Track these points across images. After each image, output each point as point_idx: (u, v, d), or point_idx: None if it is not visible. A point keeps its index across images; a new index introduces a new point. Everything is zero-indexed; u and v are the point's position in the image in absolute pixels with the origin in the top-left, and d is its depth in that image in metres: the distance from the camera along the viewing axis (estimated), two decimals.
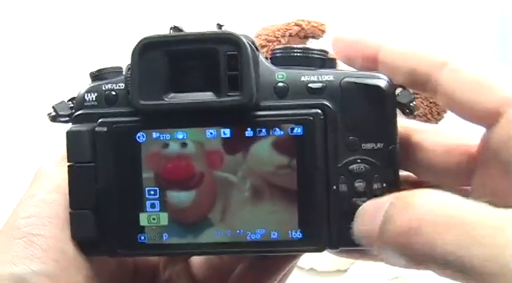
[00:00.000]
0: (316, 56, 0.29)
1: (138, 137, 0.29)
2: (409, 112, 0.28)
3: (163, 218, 0.29)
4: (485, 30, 0.90)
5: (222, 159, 0.28)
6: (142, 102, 0.28)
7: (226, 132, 0.28)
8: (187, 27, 0.29)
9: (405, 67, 0.27)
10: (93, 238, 0.29)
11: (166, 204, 0.29)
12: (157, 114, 0.29)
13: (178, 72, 0.28)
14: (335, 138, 0.28)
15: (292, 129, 0.28)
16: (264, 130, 0.28)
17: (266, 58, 0.29)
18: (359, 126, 0.28)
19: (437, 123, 0.73)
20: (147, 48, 0.28)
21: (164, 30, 0.29)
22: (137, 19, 0.88)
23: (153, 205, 0.29)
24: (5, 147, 0.86)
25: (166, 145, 0.29)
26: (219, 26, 0.29)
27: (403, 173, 0.30)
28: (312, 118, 0.28)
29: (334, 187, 0.28)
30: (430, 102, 0.72)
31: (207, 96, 0.28)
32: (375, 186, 0.28)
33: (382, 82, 0.28)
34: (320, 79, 0.28)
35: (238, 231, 0.28)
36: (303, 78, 0.28)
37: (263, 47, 0.68)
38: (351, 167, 0.28)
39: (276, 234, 0.28)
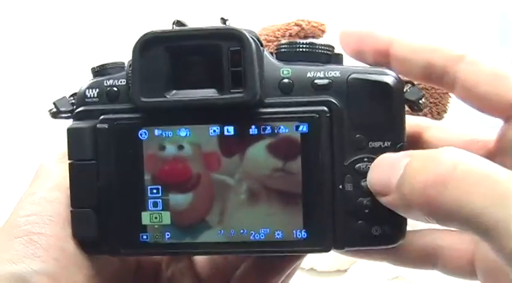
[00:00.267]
0: (322, 51, 0.28)
1: (140, 134, 0.28)
2: (417, 109, 0.28)
3: (166, 217, 0.28)
4: (485, 30, 0.90)
5: (219, 160, 0.28)
6: (143, 99, 0.28)
7: (230, 130, 0.28)
8: (191, 24, 0.29)
9: (420, 61, 0.27)
10: (94, 237, 0.29)
11: (169, 202, 0.28)
12: (159, 111, 0.28)
13: (180, 69, 0.28)
14: (341, 136, 0.28)
15: (298, 126, 0.28)
16: (268, 127, 0.28)
17: (271, 53, 0.29)
18: (366, 123, 0.28)
19: None
20: (148, 44, 0.27)
21: (166, 25, 0.28)
22: (139, 14, 0.88)
23: (155, 204, 0.28)
24: (5, 144, 0.86)
25: (163, 147, 0.28)
26: (223, 21, 0.28)
27: None
28: (317, 115, 0.27)
29: (340, 186, 0.28)
30: (431, 102, 0.72)
31: (210, 93, 0.28)
32: None
33: (389, 78, 0.27)
34: (326, 75, 0.28)
35: (241, 231, 0.28)
36: (308, 74, 0.28)
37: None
38: (357, 166, 0.27)
39: (280, 234, 0.28)
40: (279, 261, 0.32)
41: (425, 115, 0.75)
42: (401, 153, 0.26)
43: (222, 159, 0.28)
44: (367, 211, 0.27)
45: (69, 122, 0.29)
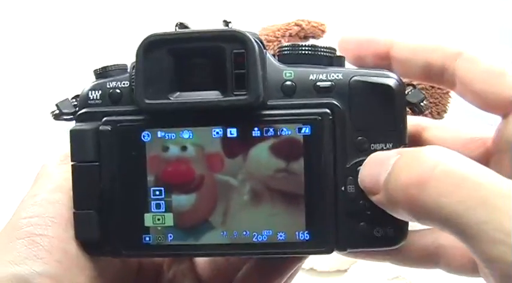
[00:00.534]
0: (325, 53, 0.29)
1: (143, 136, 0.28)
2: (418, 111, 0.28)
3: (169, 219, 0.28)
4: (485, 30, 0.90)
5: (222, 161, 0.28)
6: (147, 101, 0.28)
7: (233, 132, 0.28)
8: (192, 26, 0.29)
9: (420, 61, 0.27)
10: (97, 239, 0.29)
11: (172, 204, 0.28)
12: (162, 113, 0.28)
13: (183, 71, 0.28)
14: (343, 138, 0.28)
15: (300, 128, 0.28)
16: (271, 129, 0.28)
17: (273, 55, 0.29)
18: (368, 125, 0.28)
19: None
20: (152, 46, 0.27)
21: (168, 27, 0.28)
22: (142, 16, 0.88)
23: (158, 206, 0.28)
24: (7, 145, 0.86)
25: (166, 148, 0.28)
26: (226, 23, 0.28)
27: None
28: (320, 118, 0.28)
29: (342, 188, 0.28)
30: (431, 102, 0.72)
31: (213, 95, 0.28)
32: None
33: (391, 81, 0.28)
34: (329, 78, 0.28)
35: (244, 232, 0.28)
36: (311, 77, 0.28)
37: None
38: (359, 168, 0.28)
39: (283, 235, 0.28)
40: (281, 262, 0.32)
41: (425, 115, 0.75)
42: (393, 150, 0.26)
43: (225, 160, 0.28)
44: (369, 213, 0.27)
45: (72, 124, 0.29)
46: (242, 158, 0.28)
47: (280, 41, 0.70)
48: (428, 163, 0.23)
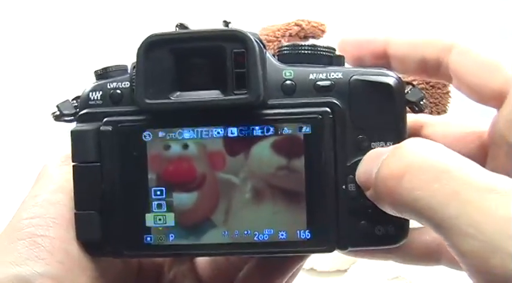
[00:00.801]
0: (324, 53, 0.29)
1: (144, 136, 0.28)
2: (418, 110, 0.28)
3: (170, 219, 0.28)
4: (486, 29, 0.90)
5: (224, 160, 0.28)
6: (148, 101, 0.28)
7: (234, 131, 0.28)
8: (192, 26, 0.29)
9: (416, 56, 0.27)
10: (98, 239, 0.29)
11: (173, 204, 0.28)
12: (163, 113, 0.28)
13: (184, 70, 0.28)
14: (344, 137, 0.28)
15: (301, 127, 0.28)
16: (272, 129, 0.28)
17: (273, 55, 0.29)
18: (368, 124, 0.28)
19: None
20: (152, 46, 0.27)
21: (168, 28, 0.28)
22: (142, 17, 0.88)
23: (159, 206, 0.28)
24: (8, 146, 0.86)
25: (168, 147, 0.28)
26: (226, 23, 0.29)
27: None
28: (320, 116, 0.28)
29: (343, 186, 0.28)
30: (431, 102, 0.72)
31: (214, 94, 0.28)
32: None
33: (391, 79, 0.28)
34: (328, 77, 0.28)
35: (245, 232, 0.28)
36: (311, 76, 0.28)
37: None
38: None
39: (284, 234, 0.28)
40: (282, 261, 0.32)
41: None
42: (388, 147, 0.26)
43: (226, 158, 0.28)
44: (370, 211, 0.27)
45: (72, 125, 0.29)
46: (244, 156, 0.28)
47: (280, 41, 0.70)
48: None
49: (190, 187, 0.28)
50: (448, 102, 0.71)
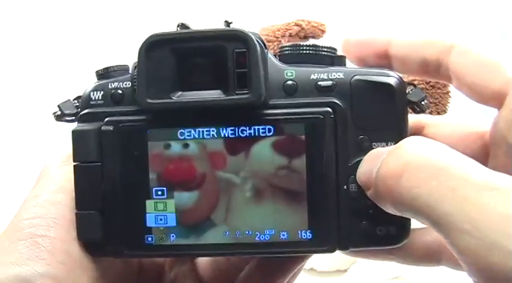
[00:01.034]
0: (326, 53, 0.29)
1: (145, 136, 0.28)
2: (419, 110, 0.28)
3: (171, 218, 0.28)
4: (485, 30, 0.90)
5: (224, 159, 0.28)
6: (149, 100, 0.28)
7: (235, 131, 0.28)
8: (193, 26, 0.29)
9: (416, 57, 0.27)
10: (99, 239, 0.29)
11: (174, 204, 0.28)
12: (164, 112, 0.28)
13: (185, 70, 0.28)
14: (345, 137, 0.28)
15: (302, 127, 0.28)
16: (273, 129, 0.28)
17: (274, 55, 0.29)
18: (369, 124, 0.28)
19: None
20: (154, 46, 0.27)
21: (169, 28, 0.28)
22: (143, 17, 0.88)
23: (160, 206, 0.28)
24: (9, 146, 0.86)
25: (168, 146, 0.28)
26: (227, 23, 0.29)
27: None
28: (322, 117, 0.28)
29: (345, 187, 0.28)
30: (431, 102, 0.72)
31: (215, 94, 0.28)
32: None
33: (392, 80, 0.28)
34: (330, 77, 0.28)
35: (246, 232, 0.28)
36: (312, 76, 0.28)
37: None
38: None
39: (286, 235, 0.28)
40: (283, 262, 0.32)
41: None
42: (388, 147, 0.26)
43: (227, 157, 0.28)
44: (371, 211, 0.27)
45: (74, 125, 0.29)
46: (244, 155, 0.28)
47: (280, 41, 0.70)
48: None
49: (191, 186, 0.28)
50: (448, 102, 0.71)
